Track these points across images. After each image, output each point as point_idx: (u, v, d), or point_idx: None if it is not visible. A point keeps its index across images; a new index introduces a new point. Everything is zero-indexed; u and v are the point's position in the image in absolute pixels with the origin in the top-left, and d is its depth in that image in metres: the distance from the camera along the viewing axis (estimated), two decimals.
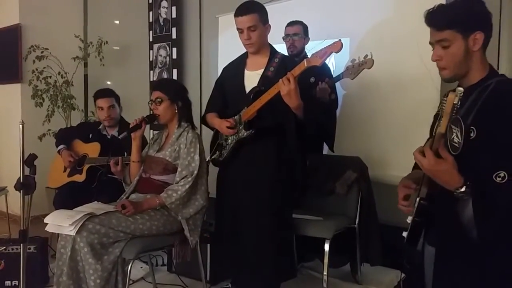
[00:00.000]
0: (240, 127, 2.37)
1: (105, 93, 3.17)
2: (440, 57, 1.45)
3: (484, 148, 1.32)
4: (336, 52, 2.08)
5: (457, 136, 1.33)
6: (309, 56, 2.15)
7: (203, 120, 2.62)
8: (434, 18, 1.44)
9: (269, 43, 2.46)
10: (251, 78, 2.39)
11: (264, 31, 2.37)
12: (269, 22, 2.39)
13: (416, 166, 1.73)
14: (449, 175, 1.31)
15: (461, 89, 1.25)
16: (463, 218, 1.32)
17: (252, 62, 2.45)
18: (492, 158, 1.30)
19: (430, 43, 1.48)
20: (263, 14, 2.35)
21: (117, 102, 3.17)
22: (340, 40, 2.04)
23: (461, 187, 1.30)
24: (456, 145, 1.35)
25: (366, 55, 2.72)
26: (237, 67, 2.50)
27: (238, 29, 2.35)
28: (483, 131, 1.33)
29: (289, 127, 2.28)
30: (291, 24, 3.08)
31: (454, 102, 1.24)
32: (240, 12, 2.32)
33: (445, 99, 1.26)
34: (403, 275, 2.79)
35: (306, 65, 2.09)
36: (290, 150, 2.34)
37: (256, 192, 2.35)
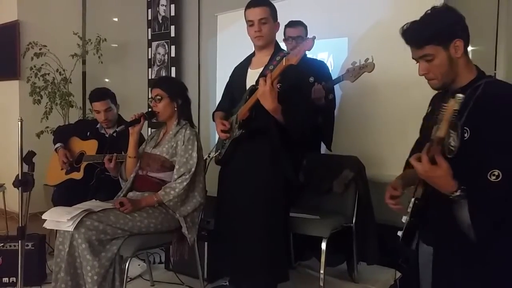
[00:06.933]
0: (236, 126, 2.38)
1: (100, 95, 3.07)
2: (427, 70, 1.48)
3: (477, 147, 1.34)
4: (308, 50, 2.08)
5: (454, 140, 1.36)
6: (288, 55, 2.11)
7: (213, 118, 2.64)
8: (411, 37, 1.48)
9: (276, 41, 2.45)
10: (253, 77, 2.39)
11: (273, 27, 2.38)
12: None
13: (407, 165, 1.75)
14: (443, 180, 1.33)
15: (461, 95, 1.26)
16: (460, 219, 1.34)
17: (256, 60, 2.46)
18: (486, 157, 1.32)
19: (414, 58, 1.51)
20: (274, 10, 2.37)
21: (113, 102, 3.11)
22: (311, 38, 2.02)
23: (456, 191, 1.32)
24: (452, 148, 1.38)
25: (367, 59, 2.72)
26: (243, 67, 2.51)
27: (248, 21, 2.35)
28: (476, 131, 1.36)
29: (272, 128, 2.28)
30: (292, 25, 3.03)
31: (455, 108, 1.26)
32: (252, 4, 2.34)
33: (445, 105, 1.27)
34: (399, 274, 2.81)
35: (284, 64, 2.07)
36: (275, 150, 2.33)
37: (250, 192, 2.35)
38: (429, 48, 1.44)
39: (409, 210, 1.56)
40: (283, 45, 2.95)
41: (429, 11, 1.49)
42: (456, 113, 1.27)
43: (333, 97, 3.06)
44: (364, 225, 2.81)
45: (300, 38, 2.97)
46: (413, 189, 1.57)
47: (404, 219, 1.58)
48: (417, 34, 1.46)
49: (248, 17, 2.35)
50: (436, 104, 1.65)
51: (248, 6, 2.35)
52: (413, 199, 1.51)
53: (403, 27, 1.50)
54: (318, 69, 3.05)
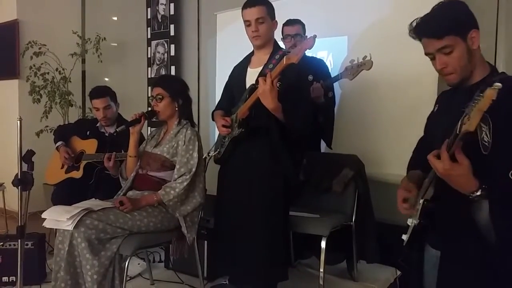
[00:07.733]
0: (235, 125, 2.37)
1: (100, 93, 3.08)
2: (446, 64, 1.42)
3: (497, 145, 1.25)
4: (309, 49, 2.08)
5: (486, 135, 1.24)
6: (289, 53, 2.11)
7: (212, 118, 2.64)
8: (430, 28, 1.42)
9: (275, 40, 2.45)
10: (252, 76, 2.38)
11: (271, 26, 2.37)
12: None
13: (410, 166, 1.72)
14: (464, 179, 1.26)
15: (499, 84, 1.13)
16: (479, 221, 1.28)
17: (255, 59, 2.45)
18: (507, 156, 1.26)
19: (428, 54, 1.46)
20: (271, 9, 2.36)
21: (113, 100, 3.11)
22: (312, 37, 2.02)
23: (477, 191, 1.26)
24: (487, 144, 1.26)
25: (365, 56, 2.72)
26: (242, 66, 2.51)
27: (245, 21, 2.34)
28: (496, 129, 1.26)
29: (272, 126, 2.29)
30: (290, 23, 3.04)
31: (493, 99, 1.12)
32: (249, 4, 2.33)
33: (481, 95, 1.14)
34: (399, 272, 2.81)
35: (285, 63, 2.07)
36: (275, 149, 2.33)
37: (250, 191, 2.35)
38: (448, 39, 1.39)
39: (418, 212, 1.51)
40: (282, 44, 2.95)
41: (437, 6, 1.44)
42: (493, 104, 1.14)
43: (333, 95, 3.06)
44: (363, 223, 2.80)
45: (299, 36, 2.99)
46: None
47: (410, 221, 1.50)
48: (436, 25, 1.41)
49: (245, 17, 2.34)
50: (443, 101, 1.60)
51: (245, 6, 2.34)
52: (421, 200, 1.45)
53: (412, 23, 1.45)
54: (317, 68, 3.05)
